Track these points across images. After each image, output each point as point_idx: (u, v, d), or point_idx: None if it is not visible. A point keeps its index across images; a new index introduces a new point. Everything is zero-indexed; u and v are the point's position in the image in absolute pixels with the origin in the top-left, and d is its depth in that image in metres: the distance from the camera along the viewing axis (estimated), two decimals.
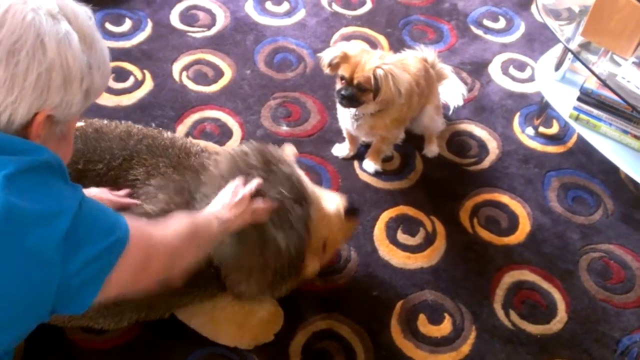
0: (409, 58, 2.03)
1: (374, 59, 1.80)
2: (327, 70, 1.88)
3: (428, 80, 2.04)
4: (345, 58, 1.82)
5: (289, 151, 1.67)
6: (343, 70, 1.83)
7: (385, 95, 1.80)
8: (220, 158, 1.60)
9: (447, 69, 2.23)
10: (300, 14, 2.65)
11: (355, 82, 1.81)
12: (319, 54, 1.91)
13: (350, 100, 1.84)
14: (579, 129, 2.05)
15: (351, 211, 1.68)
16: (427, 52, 2.13)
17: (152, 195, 1.53)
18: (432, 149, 2.18)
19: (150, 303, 1.52)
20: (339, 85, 1.86)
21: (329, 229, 1.63)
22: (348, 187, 2.06)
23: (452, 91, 2.25)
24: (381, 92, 1.79)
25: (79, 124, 1.65)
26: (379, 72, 1.77)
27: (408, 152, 2.20)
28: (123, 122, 1.73)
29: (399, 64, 1.90)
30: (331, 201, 1.65)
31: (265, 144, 1.62)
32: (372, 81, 1.78)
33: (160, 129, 1.77)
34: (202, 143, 1.84)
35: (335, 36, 2.57)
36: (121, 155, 1.60)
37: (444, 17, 2.71)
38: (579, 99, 2.01)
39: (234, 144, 2.13)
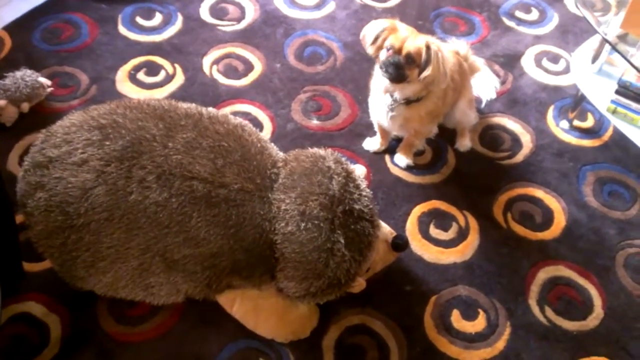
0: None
1: (422, 37, 1.77)
2: (370, 49, 1.82)
3: (461, 75, 2.01)
4: (394, 30, 1.78)
5: (359, 171, 1.67)
6: (392, 40, 1.76)
7: (432, 72, 1.73)
8: (301, 155, 1.62)
9: (479, 62, 2.20)
10: (330, 7, 2.63)
11: (404, 52, 1.74)
12: (362, 31, 1.84)
13: (397, 69, 1.76)
14: (616, 123, 2.01)
15: (398, 246, 1.70)
16: (459, 45, 2.10)
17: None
18: (465, 143, 2.16)
19: (210, 279, 1.53)
20: (384, 56, 1.79)
21: (378, 255, 1.66)
22: (379, 181, 2.05)
23: (485, 84, 2.22)
24: (429, 67, 1.72)
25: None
26: (433, 46, 1.73)
27: (440, 146, 2.18)
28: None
29: None
30: (382, 229, 1.69)
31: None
32: (423, 54, 1.73)
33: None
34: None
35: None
36: (198, 114, 1.60)
37: (476, 9, 2.67)
38: (616, 92, 1.97)
39: (265, 138, 2.13)
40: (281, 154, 1.68)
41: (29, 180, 1.48)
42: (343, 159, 1.64)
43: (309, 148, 1.68)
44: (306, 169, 1.57)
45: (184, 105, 1.62)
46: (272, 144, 1.70)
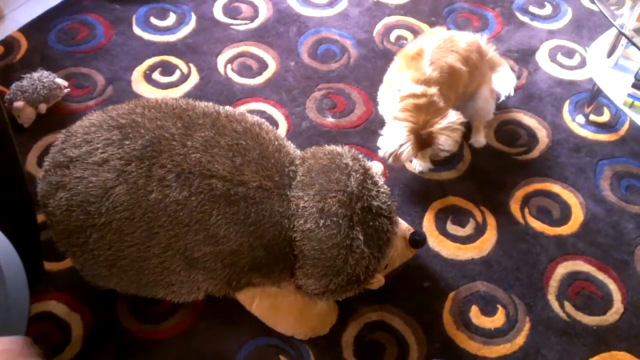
0: (457, 35, 2.02)
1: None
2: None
3: (481, 55, 2.03)
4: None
5: (376, 168, 1.67)
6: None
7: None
8: (318, 153, 1.63)
9: (499, 57, 2.21)
10: (343, 4, 2.63)
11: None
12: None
13: None
14: (634, 117, 2.00)
15: (416, 242, 1.70)
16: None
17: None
18: (480, 139, 2.15)
19: (230, 276, 1.54)
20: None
21: (397, 252, 1.67)
22: (395, 178, 2.05)
23: (504, 80, 2.22)
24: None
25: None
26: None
27: None
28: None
29: (448, 44, 1.93)
30: (400, 225, 1.69)
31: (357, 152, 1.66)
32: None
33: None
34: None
35: (378, 26, 2.55)
36: (216, 113, 1.60)
37: (489, 4, 2.67)
38: (633, 86, 1.96)
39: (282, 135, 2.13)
40: (298, 152, 1.69)
41: (50, 180, 1.49)
42: (360, 156, 1.64)
43: (326, 145, 1.69)
44: (324, 166, 1.57)
45: (202, 104, 1.63)
46: (289, 142, 1.70)
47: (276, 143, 1.61)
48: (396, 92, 1.90)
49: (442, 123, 1.83)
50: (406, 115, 1.85)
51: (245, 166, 1.50)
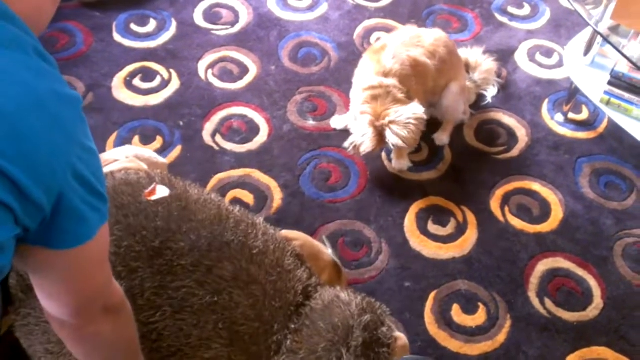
0: (425, 31, 2.08)
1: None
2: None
3: (451, 55, 2.07)
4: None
5: (401, 342, 1.37)
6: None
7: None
8: (318, 303, 1.33)
9: (490, 65, 2.28)
10: (323, 8, 2.64)
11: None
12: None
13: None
14: (610, 114, 2.02)
15: None
16: (469, 53, 2.19)
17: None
18: (442, 138, 2.15)
19: None
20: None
21: None
22: (376, 180, 2.06)
23: (489, 81, 2.26)
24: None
25: (162, 194, 1.35)
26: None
27: (436, 142, 2.18)
28: (212, 195, 1.44)
29: (414, 40, 1.98)
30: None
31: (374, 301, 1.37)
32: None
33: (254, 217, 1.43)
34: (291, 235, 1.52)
35: (359, 29, 2.56)
36: (207, 240, 1.30)
37: (468, 6, 2.69)
38: (609, 83, 1.98)
39: (262, 139, 2.14)
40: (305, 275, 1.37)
41: None
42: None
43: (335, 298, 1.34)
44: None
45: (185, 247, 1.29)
46: (296, 267, 1.37)
47: (274, 279, 1.31)
48: (360, 88, 1.93)
49: (393, 116, 1.85)
50: (365, 108, 1.91)
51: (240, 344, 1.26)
